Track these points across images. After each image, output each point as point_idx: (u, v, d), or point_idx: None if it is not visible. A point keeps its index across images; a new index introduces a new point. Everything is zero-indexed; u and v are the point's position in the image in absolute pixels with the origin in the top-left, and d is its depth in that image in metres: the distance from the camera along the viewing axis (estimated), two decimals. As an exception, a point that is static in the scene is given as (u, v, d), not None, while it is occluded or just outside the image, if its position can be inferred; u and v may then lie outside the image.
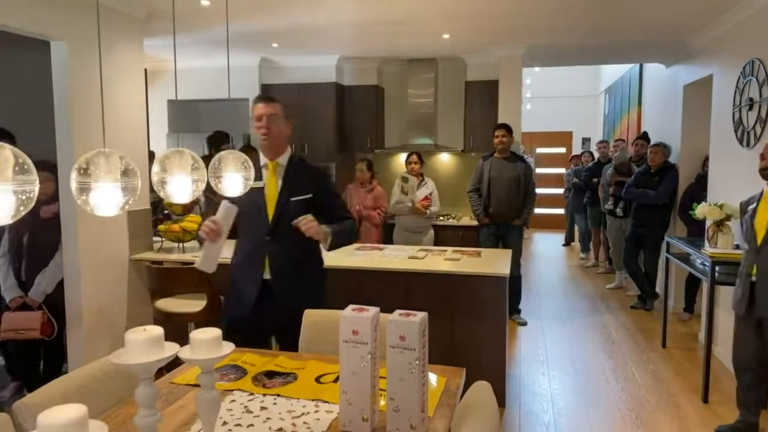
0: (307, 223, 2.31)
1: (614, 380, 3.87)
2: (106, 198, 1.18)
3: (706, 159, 5.06)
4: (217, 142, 5.09)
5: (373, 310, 1.52)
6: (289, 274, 2.48)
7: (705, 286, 4.00)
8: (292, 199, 2.46)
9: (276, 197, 2.46)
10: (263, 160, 2.52)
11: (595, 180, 7.11)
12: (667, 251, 4.53)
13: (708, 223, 3.79)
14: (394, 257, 3.73)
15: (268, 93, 6.14)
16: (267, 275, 2.46)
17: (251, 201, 2.38)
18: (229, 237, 2.39)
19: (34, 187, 0.88)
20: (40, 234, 3.40)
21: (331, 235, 2.42)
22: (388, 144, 6.51)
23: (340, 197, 2.73)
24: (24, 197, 0.86)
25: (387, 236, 5.29)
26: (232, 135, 5.41)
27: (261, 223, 2.46)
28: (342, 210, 2.64)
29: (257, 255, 2.48)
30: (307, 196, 2.48)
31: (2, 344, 3.71)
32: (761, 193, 2.92)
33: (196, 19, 4.34)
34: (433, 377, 1.84)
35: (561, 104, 11.38)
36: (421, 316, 1.49)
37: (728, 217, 3.61)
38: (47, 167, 3.31)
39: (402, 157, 6.01)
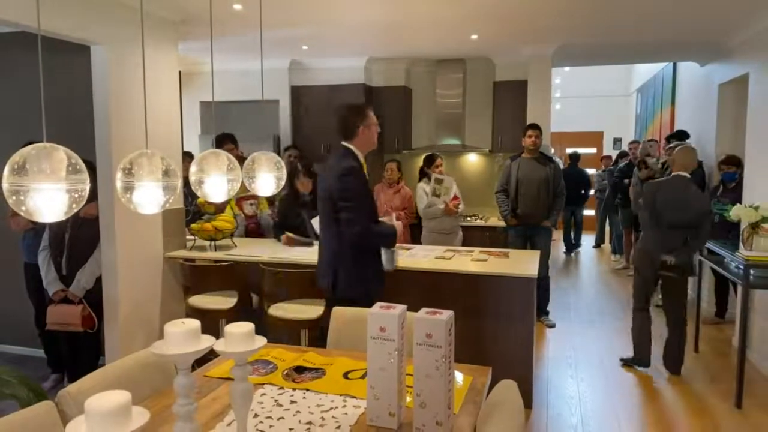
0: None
1: (645, 384, 3.82)
2: (148, 197, 1.24)
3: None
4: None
5: (400, 308, 1.55)
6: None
7: (739, 289, 3.91)
8: None
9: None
10: (361, 156, 2.85)
11: (627, 181, 7.00)
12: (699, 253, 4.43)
13: (743, 225, 3.70)
14: (422, 257, 3.75)
15: (298, 95, 6.26)
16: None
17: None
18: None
19: (86, 186, 0.94)
20: (81, 230, 3.53)
21: None
22: (416, 144, 6.53)
23: None
24: (76, 195, 0.93)
25: (414, 237, 5.29)
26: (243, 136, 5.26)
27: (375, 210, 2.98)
28: None
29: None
30: None
31: (45, 337, 3.87)
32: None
33: (229, 24, 4.43)
34: (459, 376, 1.87)
35: (591, 104, 11.21)
36: (447, 314, 1.51)
37: (764, 219, 3.52)
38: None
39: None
